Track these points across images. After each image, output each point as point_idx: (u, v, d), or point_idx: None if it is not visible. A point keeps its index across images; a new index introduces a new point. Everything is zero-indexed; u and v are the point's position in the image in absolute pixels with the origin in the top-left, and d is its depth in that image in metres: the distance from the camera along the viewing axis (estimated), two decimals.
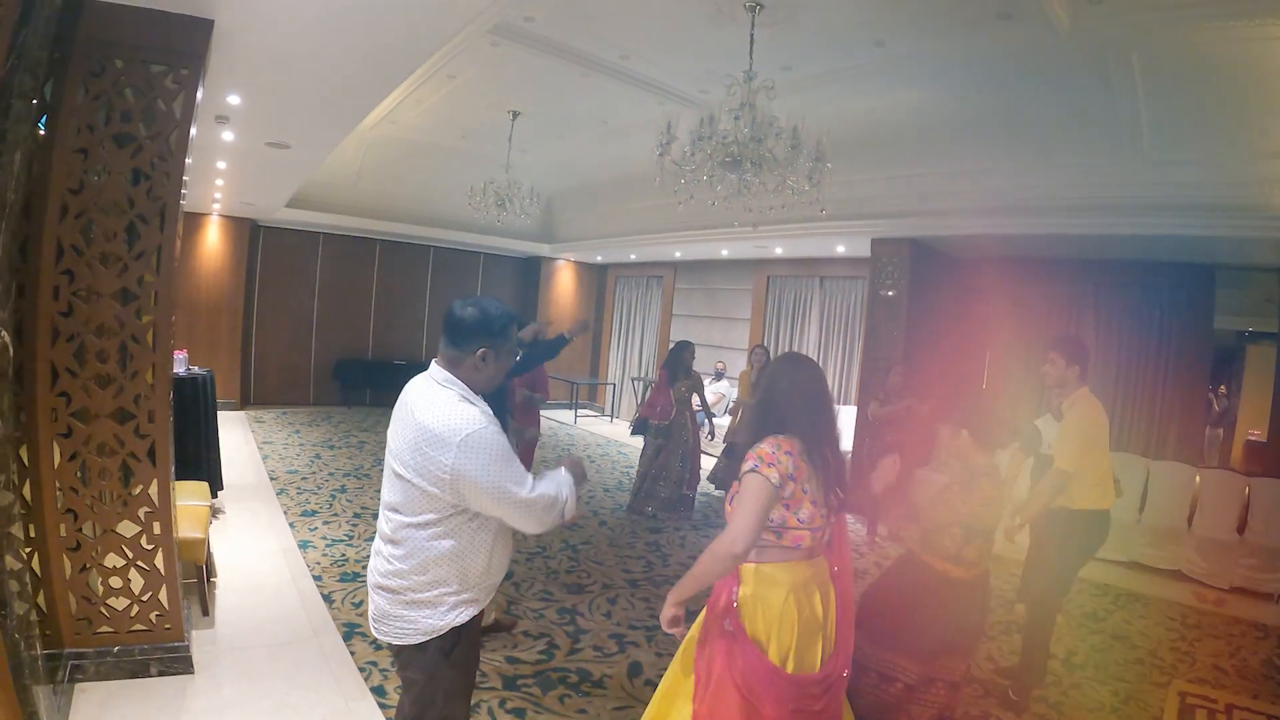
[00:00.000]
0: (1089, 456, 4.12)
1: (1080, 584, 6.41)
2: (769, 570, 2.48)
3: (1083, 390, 4.28)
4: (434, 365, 2.41)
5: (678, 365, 8.03)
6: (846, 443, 9.55)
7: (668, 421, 8.04)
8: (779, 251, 11.56)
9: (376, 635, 2.43)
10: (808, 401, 2.54)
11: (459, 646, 2.38)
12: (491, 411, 2.39)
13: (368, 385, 14.15)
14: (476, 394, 2.39)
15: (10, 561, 2.70)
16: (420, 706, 2.42)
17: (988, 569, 3.36)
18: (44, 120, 3.40)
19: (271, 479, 8.03)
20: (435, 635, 2.33)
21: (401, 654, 2.42)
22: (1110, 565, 7.05)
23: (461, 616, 2.35)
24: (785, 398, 2.56)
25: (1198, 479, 7.40)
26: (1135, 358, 8.58)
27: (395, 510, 2.31)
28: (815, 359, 11.50)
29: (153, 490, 3.72)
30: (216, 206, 11.55)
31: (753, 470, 2.41)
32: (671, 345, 8.52)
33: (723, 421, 11.37)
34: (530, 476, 2.35)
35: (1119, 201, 6.67)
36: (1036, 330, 9.31)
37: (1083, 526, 4.21)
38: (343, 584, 5.25)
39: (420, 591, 2.30)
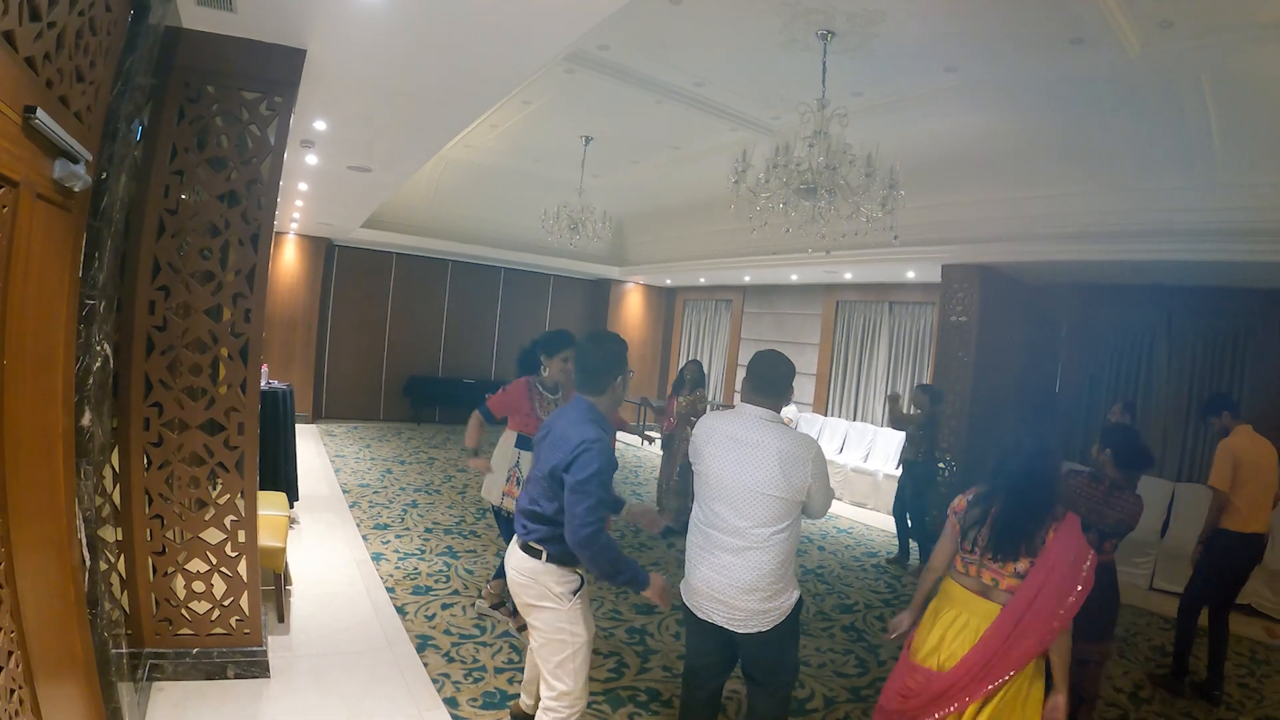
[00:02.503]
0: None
1: (1149, 617, 6.26)
2: None
3: (1242, 427, 4.92)
4: (753, 406, 3.06)
5: (680, 381, 8.07)
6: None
7: (670, 434, 8.08)
8: (848, 276, 11.48)
9: (744, 630, 2.96)
10: None
11: (797, 605, 3.05)
12: None
13: (437, 403, 14.38)
14: None
15: (100, 563, 2.82)
16: (783, 661, 3.11)
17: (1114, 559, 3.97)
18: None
19: (344, 491, 8.22)
20: (791, 608, 2.99)
21: (758, 638, 2.97)
22: (1178, 598, 6.84)
23: (797, 587, 3.05)
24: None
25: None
26: (1208, 384, 8.30)
27: (763, 525, 2.88)
28: (885, 385, 11.41)
29: (238, 500, 3.86)
30: (295, 225, 11.91)
31: None
32: None
33: None
34: None
35: (1191, 226, 6.52)
36: (1109, 357, 9.11)
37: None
38: (415, 596, 5.35)
39: (782, 580, 2.93)
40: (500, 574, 5.00)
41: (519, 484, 4.69)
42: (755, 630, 2.94)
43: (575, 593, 3.00)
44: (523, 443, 4.71)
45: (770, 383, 3.09)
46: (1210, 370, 8.31)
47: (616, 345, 3.09)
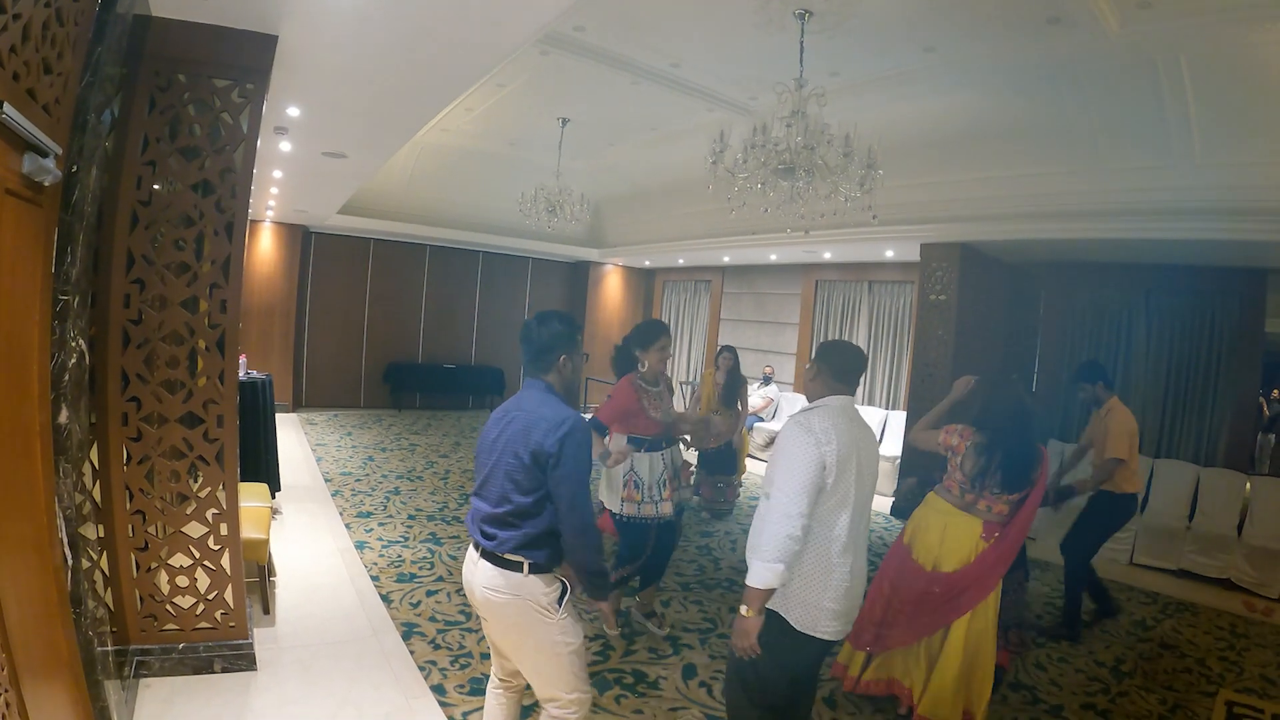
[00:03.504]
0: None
1: (1129, 591, 6.35)
2: None
3: (1115, 399, 5.50)
4: (846, 398, 2.99)
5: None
6: (895, 448, 9.51)
7: None
8: (827, 256, 11.50)
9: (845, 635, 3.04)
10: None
11: None
12: None
13: (418, 389, 14.34)
14: None
15: (82, 561, 2.80)
16: None
17: None
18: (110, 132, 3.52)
19: (326, 480, 8.18)
20: None
21: None
22: (1158, 573, 6.94)
23: None
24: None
25: (1248, 486, 7.28)
26: (1186, 363, 8.40)
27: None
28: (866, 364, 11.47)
29: (220, 493, 3.83)
30: (270, 213, 11.78)
31: None
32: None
33: (775, 425, 11.34)
34: None
35: (1169, 205, 6.55)
36: (1087, 335, 9.20)
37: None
38: (400, 584, 5.35)
39: None
40: (647, 580, 5.00)
41: (637, 487, 4.68)
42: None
43: (562, 599, 2.71)
44: (635, 442, 4.68)
45: (854, 373, 3.04)
46: (1188, 348, 8.38)
47: (560, 324, 2.86)
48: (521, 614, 2.66)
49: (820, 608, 2.80)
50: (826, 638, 2.85)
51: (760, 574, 2.66)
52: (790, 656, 2.88)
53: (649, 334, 4.75)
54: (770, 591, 2.69)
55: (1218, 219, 6.28)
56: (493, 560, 2.67)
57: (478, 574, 2.72)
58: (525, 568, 2.63)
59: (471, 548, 2.80)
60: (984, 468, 3.66)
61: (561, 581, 2.72)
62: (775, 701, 2.95)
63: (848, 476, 2.79)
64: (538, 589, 2.65)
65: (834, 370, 2.99)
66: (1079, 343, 9.28)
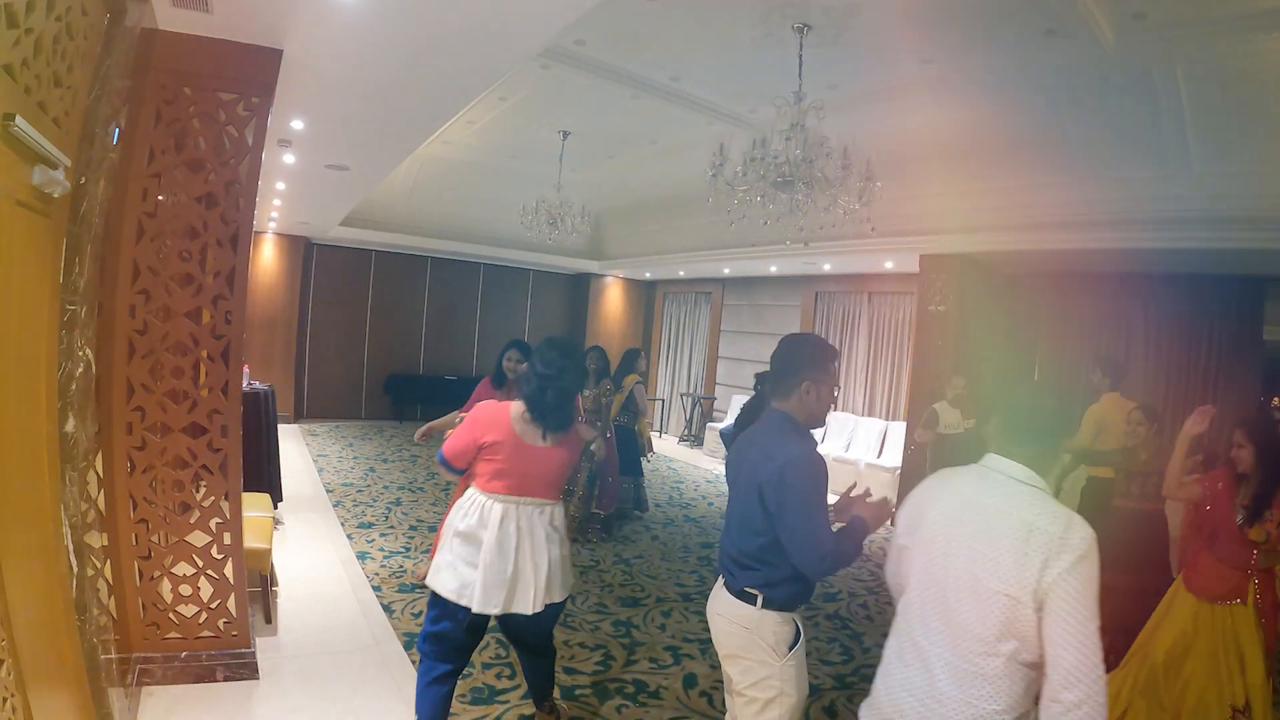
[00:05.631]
0: None
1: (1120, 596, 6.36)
2: None
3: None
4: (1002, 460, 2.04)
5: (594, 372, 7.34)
6: (896, 459, 9.54)
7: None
8: (827, 268, 11.54)
9: None
10: None
11: None
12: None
13: (419, 400, 14.35)
14: None
15: (87, 569, 2.82)
16: None
17: None
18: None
19: (328, 491, 8.20)
20: None
21: None
22: None
23: None
24: None
25: None
26: (1185, 371, 8.43)
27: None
28: (866, 375, 11.49)
29: (223, 502, 3.86)
30: (273, 225, 11.86)
31: None
32: None
33: None
34: None
35: (1166, 215, 6.60)
36: (1086, 345, 9.22)
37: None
38: (402, 594, 5.36)
39: None
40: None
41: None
42: None
43: (793, 646, 2.52)
44: None
45: (1031, 421, 2.04)
46: (1187, 357, 8.41)
47: (810, 346, 2.66)
48: (746, 648, 2.53)
49: None
50: None
51: None
52: None
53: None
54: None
55: (1215, 228, 6.33)
56: (731, 589, 2.57)
57: (717, 600, 2.65)
58: (759, 601, 2.49)
59: (720, 578, 2.69)
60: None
61: (796, 625, 2.55)
62: None
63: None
64: (768, 625, 2.49)
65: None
66: (1078, 353, 9.30)
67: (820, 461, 2.46)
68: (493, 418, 3.19)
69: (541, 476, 3.20)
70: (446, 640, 3.23)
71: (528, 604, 3.11)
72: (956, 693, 1.86)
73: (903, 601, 2.12)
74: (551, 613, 3.27)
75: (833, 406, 2.66)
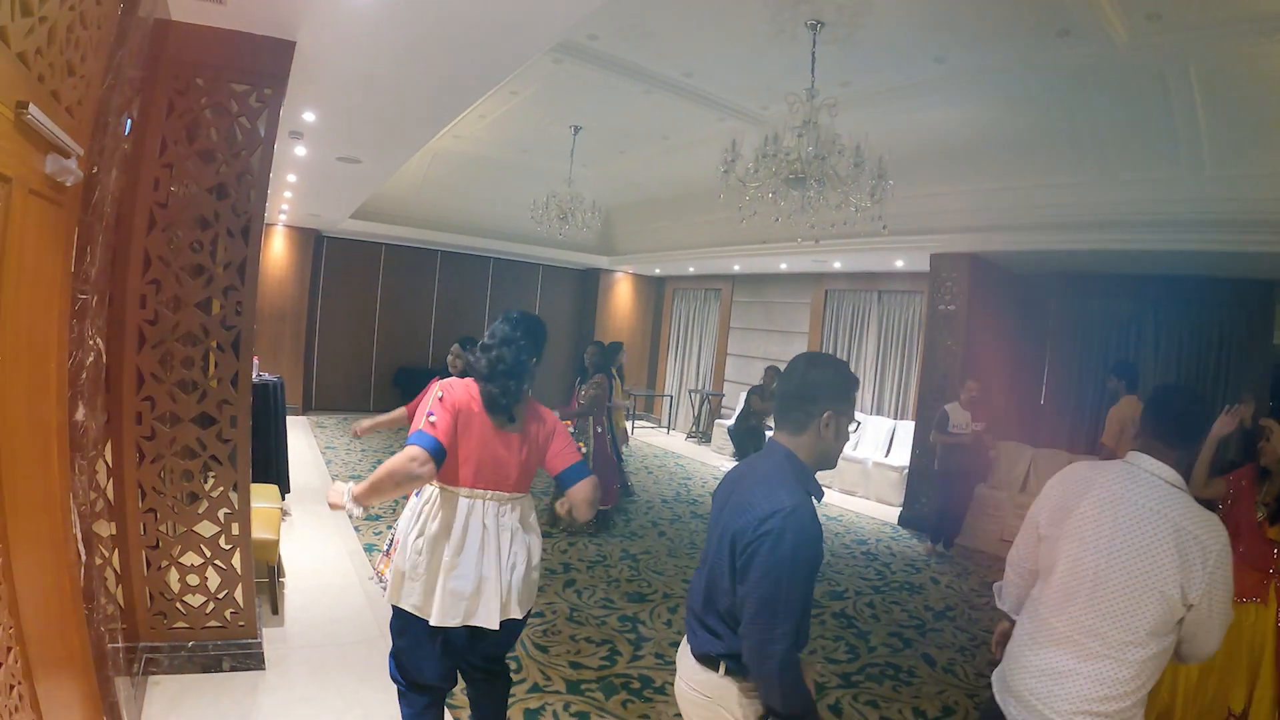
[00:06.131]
0: None
1: None
2: None
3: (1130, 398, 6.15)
4: (1148, 458, 2.21)
5: (582, 369, 7.44)
6: (904, 458, 9.52)
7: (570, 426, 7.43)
8: (837, 265, 11.51)
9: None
10: None
11: None
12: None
13: None
14: None
15: (95, 558, 2.83)
16: None
17: None
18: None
19: (335, 483, 8.18)
20: None
21: None
22: None
23: None
24: None
25: None
26: (1195, 374, 8.39)
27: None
28: (875, 373, 11.47)
29: (232, 493, 3.86)
30: (283, 217, 11.88)
31: None
32: None
33: None
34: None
35: (1177, 217, 6.56)
36: (1097, 346, 9.19)
37: None
38: None
39: None
40: None
41: None
42: None
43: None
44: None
45: (1180, 424, 2.22)
46: (1197, 359, 8.38)
47: (834, 371, 2.18)
48: None
49: None
50: None
51: None
52: None
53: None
54: None
55: (1226, 231, 6.29)
56: (694, 651, 2.19)
57: (681, 660, 2.29)
58: (722, 667, 2.09)
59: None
60: None
61: None
62: None
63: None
64: (732, 696, 2.08)
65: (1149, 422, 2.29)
66: (1088, 354, 9.27)
67: (813, 526, 1.95)
68: (462, 396, 2.82)
69: (509, 465, 2.80)
70: (415, 661, 2.87)
71: (492, 616, 2.70)
72: (1092, 676, 2.07)
73: (1040, 587, 2.29)
74: (513, 629, 2.86)
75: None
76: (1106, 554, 2.09)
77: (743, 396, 11.24)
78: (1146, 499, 2.10)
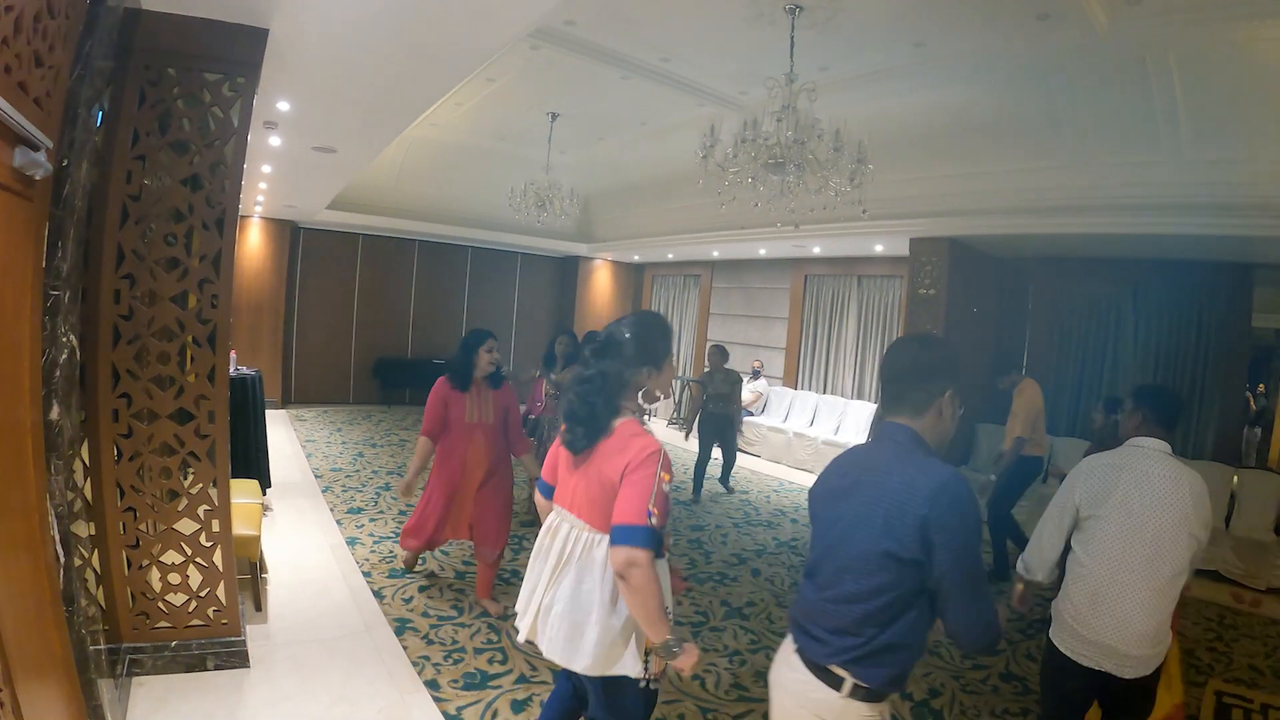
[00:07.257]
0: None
1: None
2: None
3: (1029, 380, 6.59)
4: (1154, 441, 2.92)
5: (550, 357, 7.10)
6: None
7: (534, 417, 7.27)
8: (817, 251, 11.53)
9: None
10: None
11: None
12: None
13: (407, 384, 14.26)
14: None
15: (74, 559, 2.78)
16: None
17: None
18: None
19: (316, 476, 8.16)
20: None
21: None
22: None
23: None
24: None
25: (1236, 479, 7.36)
26: (1173, 357, 8.49)
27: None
28: (855, 358, 11.50)
29: (211, 489, 3.81)
30: (259, 209, 11.73)
31: None
32: None
33: (764, 420, 11.39)
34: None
35: (1156, 201, 6.62)
36: (1076, 329, 9.26)
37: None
38: (392, 580, 5.33)
39: None
40: None
41: None
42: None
43: None
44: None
45: (1174, 414, 3.00)
46: (1176, 342, 8.47)
47: (946, 350, 2.16)
48: None
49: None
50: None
51: None
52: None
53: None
54: None
55: (1205, 214, 6.34)
56: (808, 663, 1.99)
57: (784, 672, 2.08)
58: (846, 687, 1.90)
59: (789, 638, 2.13)
60: None
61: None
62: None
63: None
64: (853, 717, 1.92)
65: (1150, 412, 2.98)
66: (1067, 337, 9.35)
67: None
68: None
69: (576, 490, 2.47)
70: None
71: (555, 646, 2.41)
72: (1148, 606, 2.68)
73: (1096, 555, 2.80)
74: (593, 688, 2.51)
75: None
76: (1155, 516, 2.69)
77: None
78: (1166, 470, 2.76)
